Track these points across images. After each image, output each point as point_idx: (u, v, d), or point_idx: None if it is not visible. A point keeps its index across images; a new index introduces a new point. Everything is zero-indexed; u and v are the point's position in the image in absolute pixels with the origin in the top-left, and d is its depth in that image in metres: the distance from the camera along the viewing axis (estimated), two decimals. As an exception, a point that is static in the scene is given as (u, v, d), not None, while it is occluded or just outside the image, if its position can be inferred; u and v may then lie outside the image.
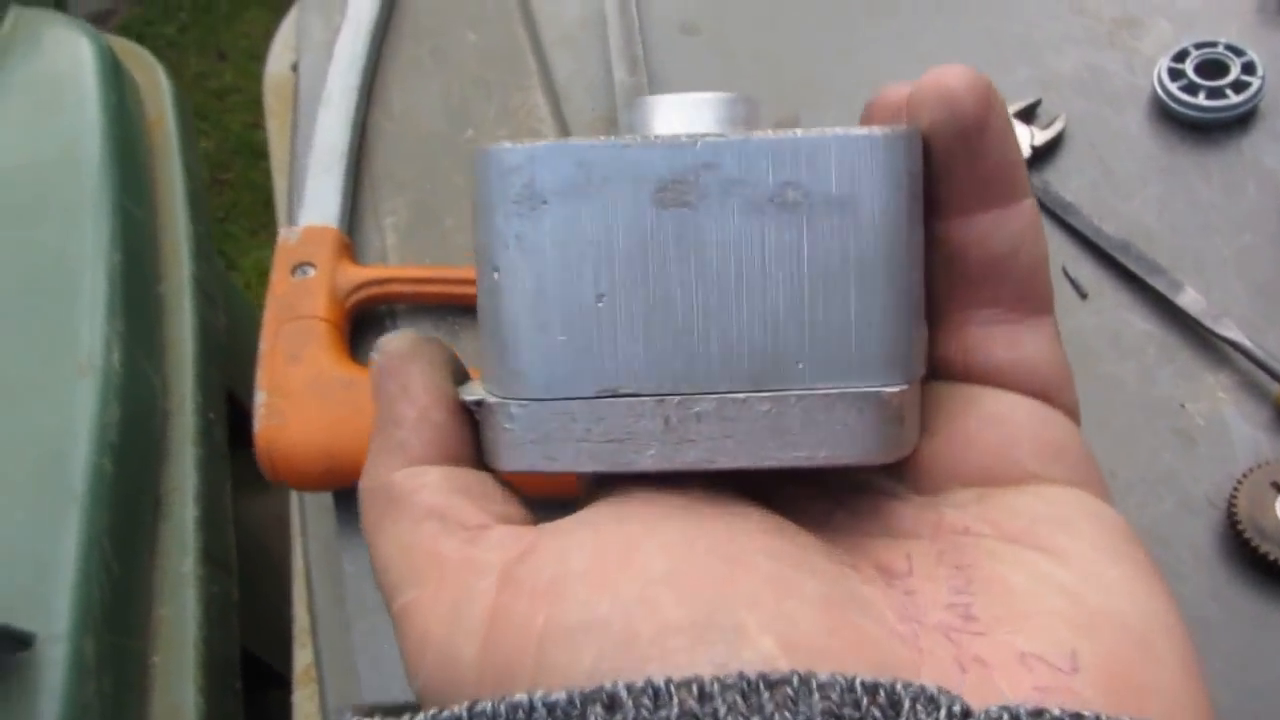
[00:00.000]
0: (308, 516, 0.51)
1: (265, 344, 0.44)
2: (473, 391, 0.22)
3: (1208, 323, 0.45)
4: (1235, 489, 0.41)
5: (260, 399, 0.43)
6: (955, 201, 0.21)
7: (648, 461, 0.20)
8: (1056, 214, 0.49)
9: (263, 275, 2.32)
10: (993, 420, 0.22)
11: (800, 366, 0.20)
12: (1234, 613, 0.40)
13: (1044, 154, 0.51)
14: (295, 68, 0.71)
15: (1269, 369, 0.43)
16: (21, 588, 0.46)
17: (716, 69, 0.57)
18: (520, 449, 0.20)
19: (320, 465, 0.42)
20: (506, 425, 0.20)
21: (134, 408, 0.54)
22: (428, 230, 0.52)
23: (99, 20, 2.63)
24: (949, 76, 0.20)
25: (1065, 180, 0.50)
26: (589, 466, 0.20)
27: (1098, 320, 0.47)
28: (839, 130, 0.20)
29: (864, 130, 0.20)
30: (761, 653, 0.17)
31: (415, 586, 0.20)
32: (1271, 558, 0.39)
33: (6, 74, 0.70)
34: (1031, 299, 0.22)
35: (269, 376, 0.43)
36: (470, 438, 0.22)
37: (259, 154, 2.24)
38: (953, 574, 0.19)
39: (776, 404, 0.20)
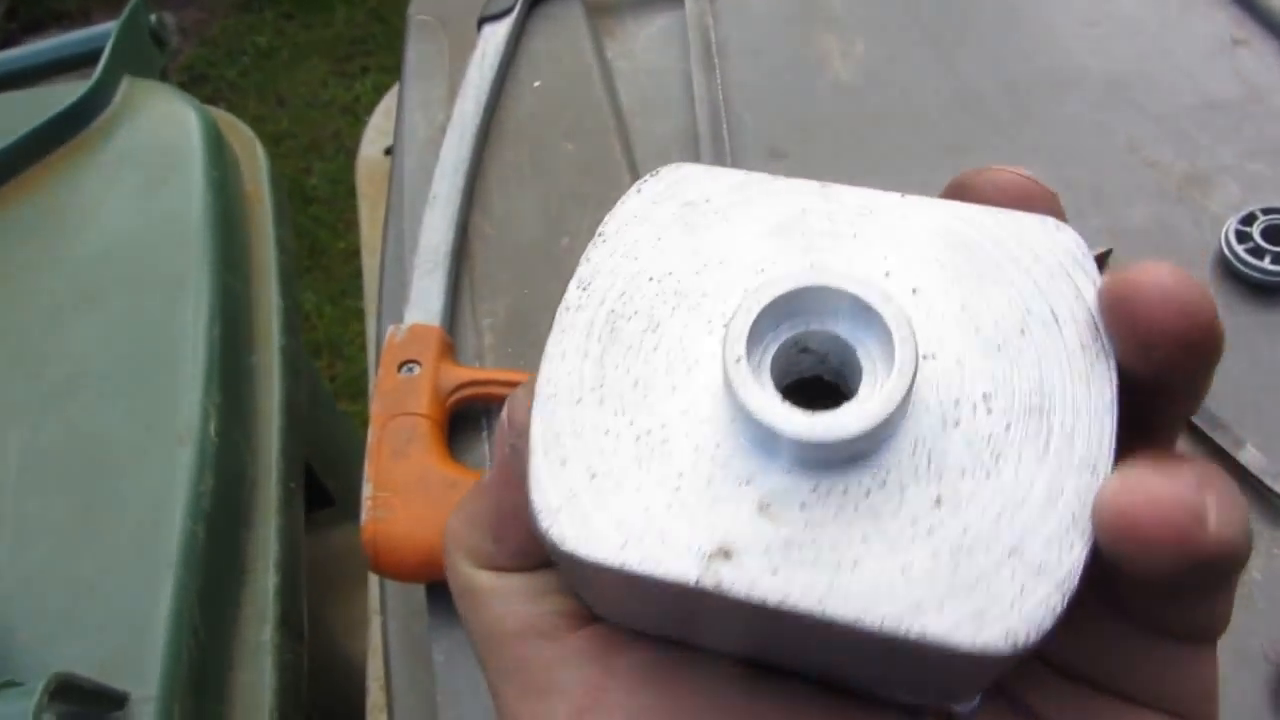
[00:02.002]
0: (387, 593, 0.53)
1: (373, 437, 0.47)
2: None
3: (1268, 481, 0.47)
4: (1290, 647, 0.43)
5: (367, 491, 0.45)
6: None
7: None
8: (1124, 362, 0.51)
9: (305, 319, 2.33)
10: None
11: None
12: (1285, 767, 0.41)
13: (1113, 302, 0.53)
14: (388, 152, 0.75)
15: (1325, 530, 0.45)
16: (117, 649, 0.49)
17: (800, 194, 0.60)
18: None
19: (420, 559, 0.44)
20: None
21: (225, 477, 0.57)
22: (523, 334, 0.54)
23: (162, 59, 2.71)
24: (1143, 523, 0.15)
25: (1132, 329, 0.53)
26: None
27: (1160, 468, 0.49)
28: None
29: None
30: None
31: (503, 681, 0.22)
32: (1324, 717, 0.41)
33: (118, 144, 0.74)
34: (1196, 634, 0.19)
35: (376, 470, 0.46)
36: None
37: (309, 199, 2.29)
38: None
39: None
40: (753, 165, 0.61)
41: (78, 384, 0.60)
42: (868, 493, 0.16)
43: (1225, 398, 0.50)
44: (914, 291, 0.17)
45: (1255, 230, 0.53)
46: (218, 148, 0.76)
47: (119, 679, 0.47)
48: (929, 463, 0.16)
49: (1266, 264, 0.52)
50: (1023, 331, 0.17)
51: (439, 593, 0.47)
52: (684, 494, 0.16)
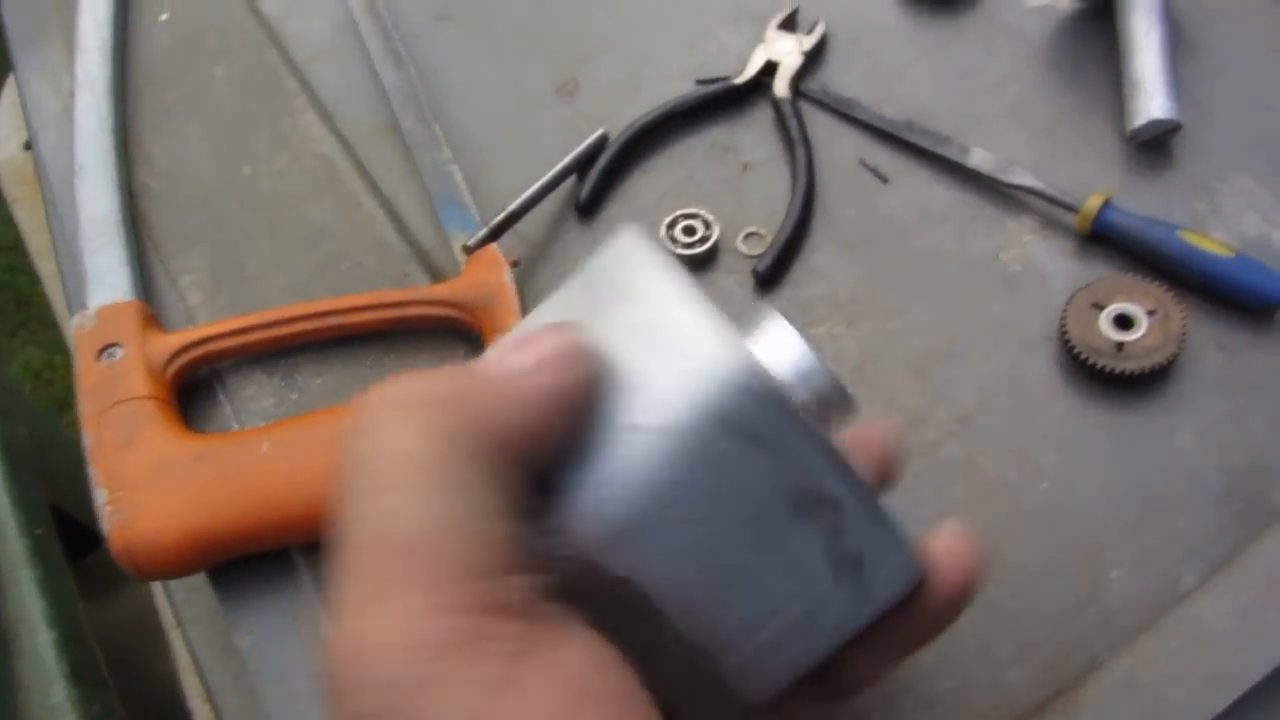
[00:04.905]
0: (178, 604, 0.47)
1: (90, 438, 0.41)
2: None
3: (1000, 176, 0.48)
4: (1063, 318, 0.44)
5: (101, 498, 0.40)
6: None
7: None
8: (841, 111, 0.51)
9: (37, 376, 2.11)
10: None
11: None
12: (1088, 426, 0.43)
13: (815, 57, 0.53)
14: (29, 145, 0.66)
15: (1062, 203, 0.47)
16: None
17: (481, 50, 0.56)
18: None
19: (188, 548, 0.39)
20: None
21: (-48, 551, 0.49)
22: (231, 279, 0.49)
23: None
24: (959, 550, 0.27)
25: (840, 77, 0.52)
26: None
27: (903, 199, 0.49)
28: None
29: None
30: None
31: (389, 557, 0.20)
32: (1110, 369, 0.42)
33: None
34: (849, 689, 0.28)
35: (104, 472, 0.40)
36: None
37: (-4, 252, 2.06)
38: None
39: None
40: (419, 33, 0.56)
41: None
42: None
43: (940, 112, 0.50)
44: None
45: (920, -53, 0.53)
46: None
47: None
48: None
49: (940, -25, 0.52)
50: None
51: (224, 574, 0.42)
52: None
